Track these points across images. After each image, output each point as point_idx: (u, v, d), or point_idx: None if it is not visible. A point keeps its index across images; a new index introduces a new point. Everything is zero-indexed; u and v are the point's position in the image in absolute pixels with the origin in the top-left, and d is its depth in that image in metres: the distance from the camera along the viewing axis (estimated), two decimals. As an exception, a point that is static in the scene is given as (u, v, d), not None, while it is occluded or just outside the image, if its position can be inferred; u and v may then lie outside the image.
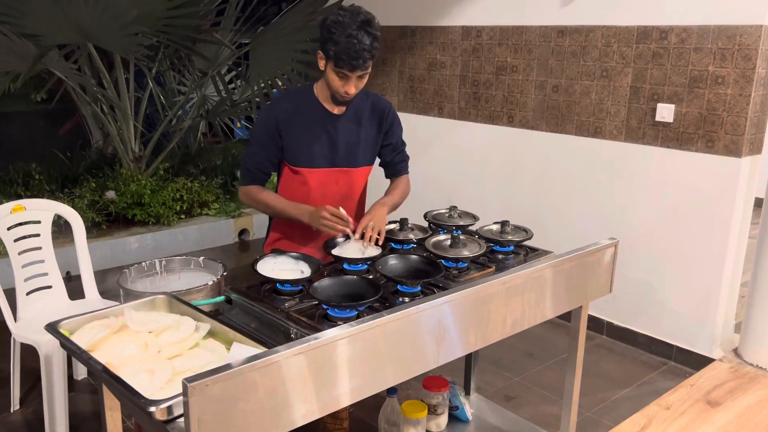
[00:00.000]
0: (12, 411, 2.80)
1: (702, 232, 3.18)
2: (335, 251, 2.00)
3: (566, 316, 2.00)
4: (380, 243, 2.05)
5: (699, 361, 3.19)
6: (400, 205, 2.35)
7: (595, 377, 3.19)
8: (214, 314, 1.76)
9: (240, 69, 5.89)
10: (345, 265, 1.98)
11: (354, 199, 2.31)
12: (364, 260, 1.98)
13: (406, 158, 2.44)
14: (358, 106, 2.20)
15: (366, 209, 2.29)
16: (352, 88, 2.02)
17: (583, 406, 2.86)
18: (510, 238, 2.19)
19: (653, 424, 1.70)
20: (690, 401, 1.80)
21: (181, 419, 1.27)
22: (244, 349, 1.44)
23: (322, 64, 2.04)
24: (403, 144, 2.42)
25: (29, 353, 2.63)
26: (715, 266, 3.16)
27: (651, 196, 3.35)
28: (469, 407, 2.49)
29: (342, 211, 2.03)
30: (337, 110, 2.17)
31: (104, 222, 4.69)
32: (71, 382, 2.89)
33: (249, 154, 2.19)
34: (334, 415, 2.28)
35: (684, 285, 3.28)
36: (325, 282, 1.76)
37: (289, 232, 2.29)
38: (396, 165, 2.40)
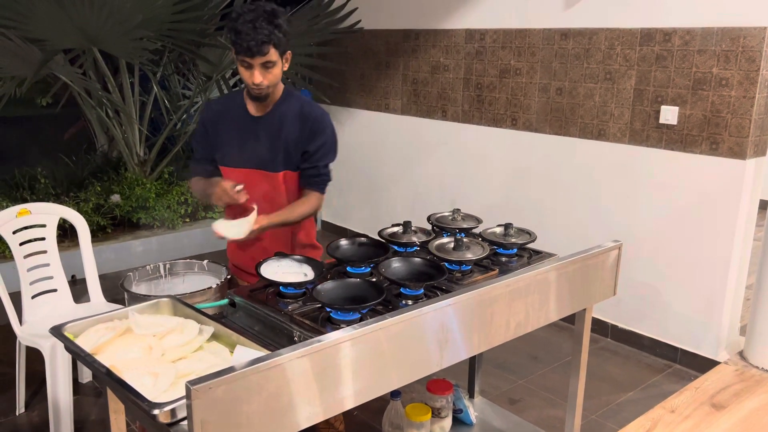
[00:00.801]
0: (17, 414, 2.81)
1: (707, 235, 3.17)
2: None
3: (570, 319, 2.00)
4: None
5: (704, 364, 3.18)
6: (295, 224, 2.24)
7: (600, 380, 3.18)
8: (218, 317, 1.76)
9: (244, 73, 5.90)
10: (348, 268, 1.98)
11: (280, 203, 2.21)
12: (367, 263, 1.97)
13: (322, 176, 2.24)
14: (284, 109, 2.17)
15: None
16: (258, 77, 2.01)
17: (587, 409, 2.85)
18: (513, 240, 2.19)
19: (658, 427, 1.69)
20: (695, 404, 1.80)
21: (185, 422, 1.27)
22: (247, 351, 1.45)
23: (234, 58, 2.05)
24: (325, 159, 2.24)
25: (34, 356, 2.64)
26: (720, 269, 3.15)
27: (655, 198, 3.34)
28: (473, 410, 2.49)
29: (233, 187, 2.06)
30: (258, 112, 2.18)
31: (109, 226, 4.70)
32: (76, 386, 2.90)
33: (195, 144, 2.32)
34: (328, 422, 2.28)
35: (689, 287, 3.27)
36: (328, 285, 1.76)
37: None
38: (307, 177, 2.23)
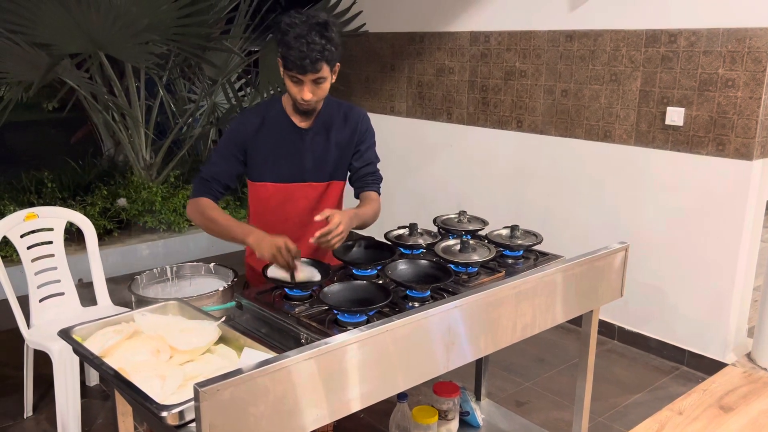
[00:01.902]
0: (25, 417, 2.82)
1: (713, 236, 3.16)
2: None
3: (577, 321, 1.99)
4: (334, 246, 1.88)
5: (711, 366, 3.16)
6: (369, 226, 2.12)
7: (607, 382, 3.17)
8: (225, 320, 1.77)
9: (250, 77, 5.93)
10: (354, 270, 1.99)
11: (313, 214, 2.04)
12: (374, 265, 1.98)
13: (377, 174, 2.23)
14: (328, 117, 2.10)
15: None
16: (308, 94, 1.91)
17: (594, 411, 2.85)
18: (520, 242, 2.19)
19: (666, 430, 1.69)
20: (703, 406, 1.79)
21: (193, 424, 1.28)
22: (255, 354, 1.45)
23: (282, 71, 1.93)
24: (376, 159, 2.23)
25: (42, 360, 2.66)
26: (727, 270, 3.13)
27: (661, 200, 3.33)
28: (479, 413, 2.48)
29: (297, 252, 1.83)
30: (304, 124, 2.08)
31: (116, 229, 4.72)
32: (84, 389, 2.91)
33: (208, 164, 2.06)
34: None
35: (696, 289, 3.26)
36: (334, 287, 1.76)
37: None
38: (364, 177, 2.19)
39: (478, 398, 2.64)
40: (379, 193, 2.20)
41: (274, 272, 1.84)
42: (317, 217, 1.86)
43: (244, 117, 2.09)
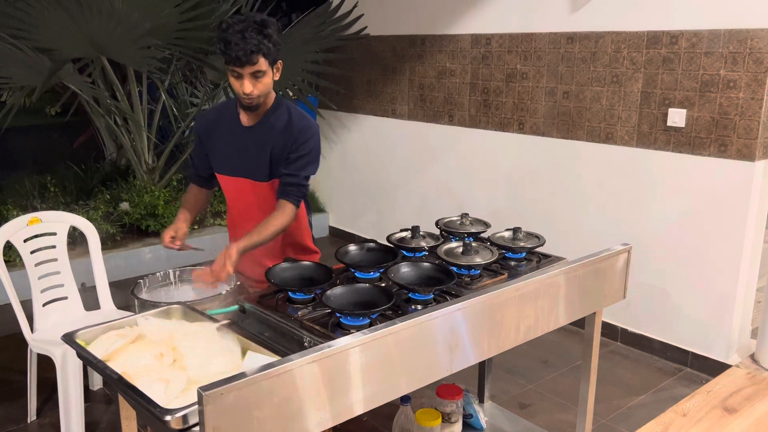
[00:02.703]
0: (29, 421, 2.82)
1: (716, 237, 3.15)
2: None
3: (580, 323, 1.99)
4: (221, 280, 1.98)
5: (715, 368, 3.16)
6: (275, 237, 2.12)
7: (610, 384, 3.17)
8: (228, 323, 1.77)
9: (251, 80, 5.93)
10: (357, 273, 1.99)
11: (268, 212, 2.13)
12: (376, 268, 1.98)
13: (300, 186, 2.15)
14: (273, 120, 2.14)
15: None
16: (248, 87, 2.00)
17: (598, 413, 2.84)
18: (522, 244, 2.19)
19: (670, 431, 1.68)
20: (707, 408, 1.79)
21: (197, 428, 1.28)
22: (258, 357, 1.45)
23: (225, 69, 2.05)
24: (304, 171, 2.15)
25: (46, 364, 2.66)
26: (730, 271, 3.13)
27: (664, 201, 3.33)
28: (483, 415, 2.48)
29: (173, 235, 2.21)
30: (249, 122, 2.17)
31: (118, 233, 4.73)
32: (87, 393, 2.91)
33: (191, 157, 2.33)
34: None
35: (699, 290, 3.26)
36: (337, 290, 1.76)
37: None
38: (284, 186, 2.13)
39: (481, 401, 2.64)
40: (297, 205, 2.15)
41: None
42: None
43: (202, 114, 2.33)
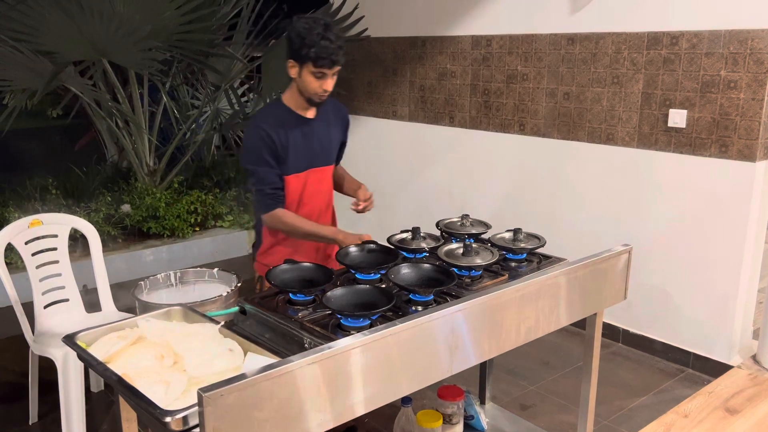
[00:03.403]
0: (30, 423, 2.83)
1: (717, 238, 3.15)
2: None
3: (581, 324, 1.99)
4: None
5: (717, 368, 3.15)
6: None
7: (612, 385, 3.16)
8: (229, 325, 1.77)
9: (252, 82, 5.95)
10: (357, 275, 1.99)
11: (330, 194, 2.46)
12: (377, 269, 1.98)
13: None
14: (324, 110, 2.35)
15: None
16: (329, 85, 2.16)
17: (599, 414, 2.84)
18: (523, 245, 2.19)
19: (671, 432, 1.68)
20: (708, 409, 1.78)
21: (197, 429, 1.27)
22: (258, 359, 1.45)
23: (294, 71, 2.16)
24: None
25: (47, 366, 2.66)
26: (731, 272, 3.13)
27: (665, 202, 3.32)
28: (484, 416, 2.48)
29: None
30: (311, 114, 2.31)
31: (120, 235, 4.73)
32: (88, 395, 2.91)
33: (259, 179, 2.22)
34: None
35: (700, 291, 3.25)
36: (337, 291, 1.76)
37: (282, 239, 2.35)
38: (339, 159, 2.57)
39: (482, 402, 2.64)
40: None
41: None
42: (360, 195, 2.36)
43: (260, 123, 2.24)
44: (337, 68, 2.14)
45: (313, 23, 2.07)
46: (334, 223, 2.55)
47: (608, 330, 3.62)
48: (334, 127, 2.40)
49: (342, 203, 2.59)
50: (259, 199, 2.24)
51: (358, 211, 2.37)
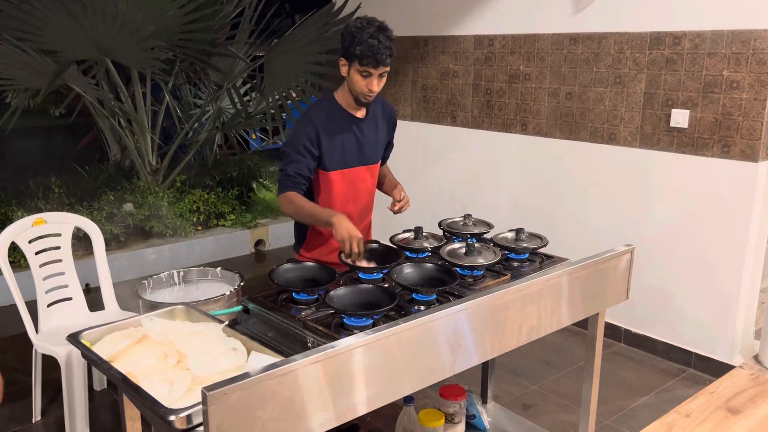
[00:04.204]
0: (34, 421, 2.83)
1: (719, 238, 3.15)
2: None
3: (583, 324, 1.99)
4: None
5: (719, 368, 3.15)
6: None
7: (614, 385, 3.17)
8: (232, 324, 1.78)
9: (255, 81, 5.95)
10: (360, 274, 1.99)
11: (373, 191, 2.52)
12: (379, 269, 1.99)
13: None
14: (373, 109, 2.39)
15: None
16: (375, 86, 2.17)
17: (601, 414, 2.84)
18: (525, 245, 2.19)
19: (673, 432, 1.68)
20: (710, 409, 1.79)
21: (201, 428, 1.28)
22: (261, 358, 1.46)
23: (344, 70, 2.20)
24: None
25: (51, 364, 2.67)
26: (733, 272, 3.13)
27: (667, 202, 3.32)
28: (486, 416, 2.48)
29: (362, 252, 2.03)
30: (362, 114, 2.34)
31: (122, 234, 4.74)
32: (91, 393, 2.92)
33: (288, 161, 2.24)
34: None
35: (702, 291, 3.25)
36: (340, 291, 1.77)
37: (329, 236, 2.32)
38: (384, 159, 2.62)
39: (484, 401, 2.65)
40: None
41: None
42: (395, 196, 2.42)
43: (310, 115, 2.30)
44: (384, 69, 2.16)
45: (367, 23, 2.12)
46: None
47: (610, 330, 3.62)
48: (381, 128, 2.45)
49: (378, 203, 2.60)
50: (280, 179, 2.27)
51: (395, 212, 2.38)
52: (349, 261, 2.01)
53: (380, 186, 2.60)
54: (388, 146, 2.59)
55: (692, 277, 3.28)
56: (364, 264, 2.02)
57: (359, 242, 2.00)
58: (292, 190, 2.22)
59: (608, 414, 2.92)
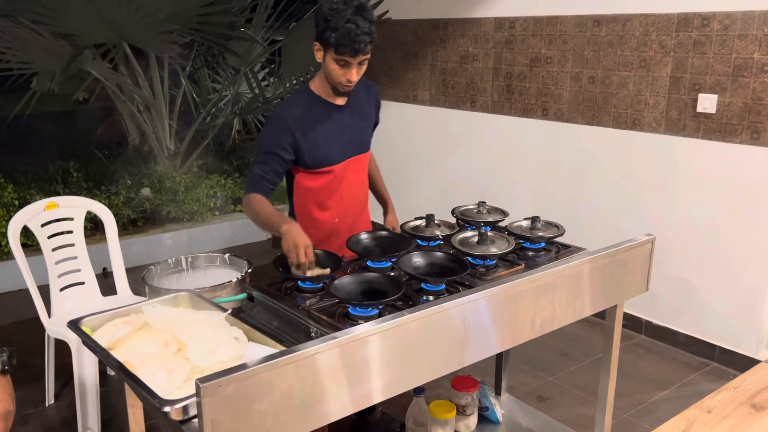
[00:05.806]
0: (47, 405, 2.85)
1: (747, 228, 3.04)
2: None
3: (603, 314, 1.92)
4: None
5: (743, 363, 3.06)
6: None
7: (633, 378, 3.09)
8: (237, 312, 1.74)
9: (273, 66, 5.90)
10: (369, 262, 1.94)
11: (366, 182, 2.32)
12: (388, 257, 1.93)
13: None
14: (356, 92, 2.17)
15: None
16: (354, 76, 1.97)
17: (619, 408, 2.77)
18: (541, 234, 2.12)
19: (694, 428, 1.62)
20: (733, 404, 1.72)
21: (197, 420, 1.25)
22: (259, 348, 1.42)
23: (319, 55, 1.98)
24: None
25: (64, 348, 2.67)
26: (761, 263, 3.02)
27: (692, 190, 3.22)
28: (499, 408, 2.43)
29: (311, 262, 1.83)
30: (341, 101, 2.12)
31: (140, 219, 4.76)
32: (104, 378, 2.93)
33: (255, 161, 2.07)
34: None
35: (728, 283, 3.15)
36: (346, 279, 1.72)
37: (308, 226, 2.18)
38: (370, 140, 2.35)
39: (498, 393, 2.59)
40: None
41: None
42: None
43: (283, 112, 2.08)
44: (363, 57, 1.93)
45: (344, 4, 1.87)
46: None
47: (630, 321, 3.54)
48: (368, 111, 2.24)
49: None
50: (247, 179, 2.10)
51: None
52: (299, 272, 1.80)
53: (370, 185, 2.39)
54: (376, 126, 2.36)
55: (717, 268, 3.18)
56: (316, 273, 1.80)
57: (307, 250, 1.79)
58: (256, 192, 2.04)
59: (626, 408, 2.84)
